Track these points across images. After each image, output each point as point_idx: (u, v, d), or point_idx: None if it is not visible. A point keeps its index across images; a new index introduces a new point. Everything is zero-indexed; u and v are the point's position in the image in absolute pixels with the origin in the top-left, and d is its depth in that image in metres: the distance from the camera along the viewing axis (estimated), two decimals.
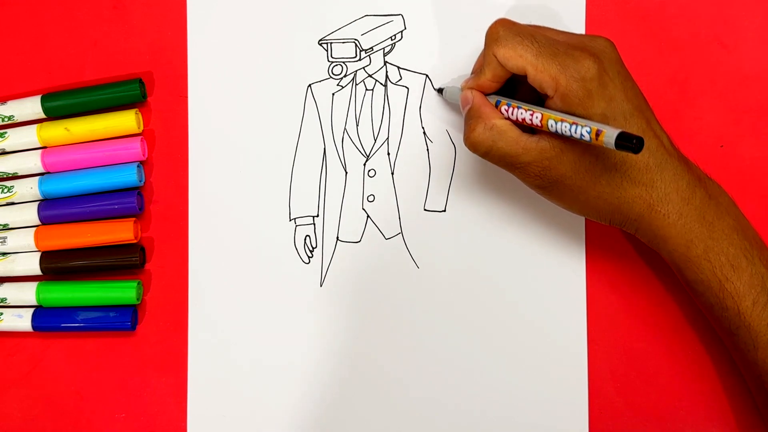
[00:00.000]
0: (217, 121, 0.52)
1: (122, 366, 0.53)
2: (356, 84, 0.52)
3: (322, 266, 0.52)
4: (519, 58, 0.43)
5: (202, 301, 0.52)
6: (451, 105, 0.51)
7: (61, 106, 0.52)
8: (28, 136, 0.52)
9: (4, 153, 0.52)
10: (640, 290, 0.51)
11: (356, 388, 0.52)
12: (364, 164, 0.52)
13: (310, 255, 0.52)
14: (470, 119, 0.45)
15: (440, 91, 0.51)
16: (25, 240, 0.52)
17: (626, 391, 0.51)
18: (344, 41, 0.52)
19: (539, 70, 0.42)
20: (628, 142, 0.38)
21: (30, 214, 0.52)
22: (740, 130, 0.51)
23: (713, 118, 0.51)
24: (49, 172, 0.52)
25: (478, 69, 0.47)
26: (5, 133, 0.52)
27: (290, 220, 0.52)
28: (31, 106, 0.52)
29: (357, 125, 0.52)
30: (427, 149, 0.51)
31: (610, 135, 0.38)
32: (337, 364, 0.52)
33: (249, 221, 0.52)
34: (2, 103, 0.52)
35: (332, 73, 0.52)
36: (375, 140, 0.52)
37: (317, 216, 0.52)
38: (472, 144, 0.44)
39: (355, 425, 0.52)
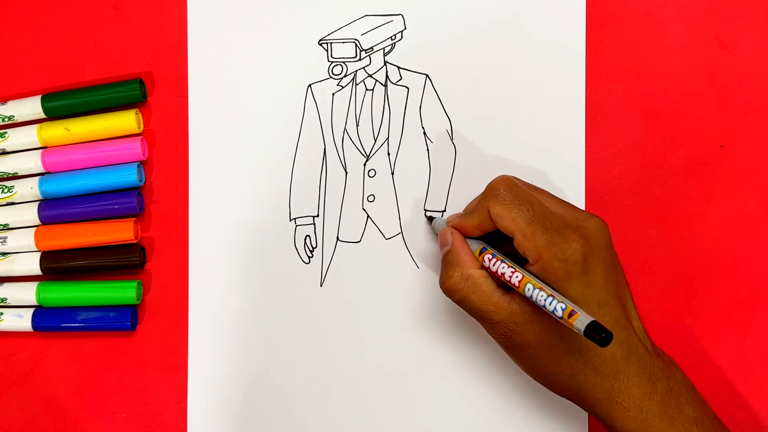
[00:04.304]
0: (217, 121, 0.52)
1: (122, 366, 0.53)
2: (356, 84, 0.52)
3: (322, 266, 0.52)
4: (511, 220, 0.43)
5: (202, 301, 0.52)
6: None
7: (61, 106, 0.52)
8: (29, 136, 0.52)
9: (5, 153, 0.52)
10: (639, 289, 0.51)
11: (356, 387, 0.52)
12: (364, 164, 0.52)
13: (310, 255, 0.52)
14: (447, 264, 0.45)
15: (429, 219, 0.51)
16: (26, 240, 0.52)
17: None
18: (344, 41, 0.52)
19: (527, 238, 0.42)
20: (597, 334, 0.37)
21: (30, 214, 0.52)
22: (740, 130, 0.51)
23: (713, 118, 0.51)
24: (49, 172, 0.52)
25: (469, 210, 0.47)
26: (5, 133, 0.52)
27: (290, 220, 0.52)
28: (31, 106, 0.52)
29: (357, 125, 0.52)
30: (427, 149, 0.51)
31: (581, 320, 0.38)
32: (337, 363, 0.52)
33: (249, 221, 0.52)
34: (2, 103, 0.52)
35: (332, 73, 0.52)
36: (375, 140, 0.52)
37: (317, 216, 0.52)
38: (447, 290, 0.45)
39: (354, 424, 0.52)
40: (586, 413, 0.50)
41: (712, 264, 0.51)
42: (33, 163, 0.52)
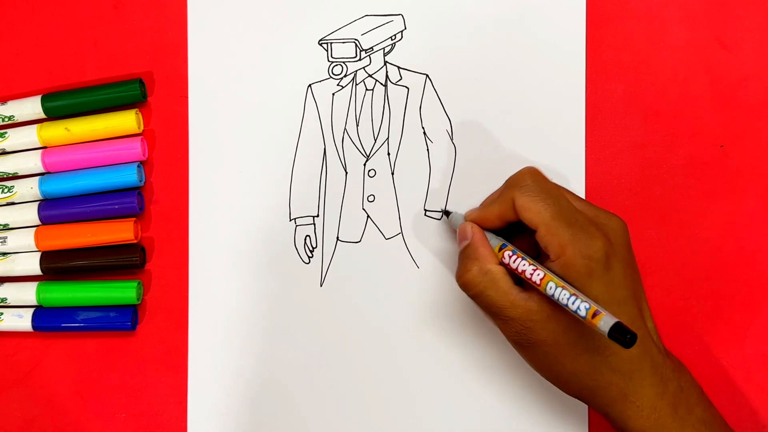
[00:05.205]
0: (217, 121, 0.52)
1: (122, 366, 0.53)
2: (356, 84, 0.52)
3: (322, 266, 0.52)
4: (536, 213, 0.42)
5: (202, 301, 0.52)
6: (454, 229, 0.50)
7: (61, 106, 0.52)
8: (29, 136, 0.52)
9: (5, 153, 0.52)
10: None
11: (356, 387, 0.52)
12: (364, 164, 0.52)
13: (310, 255, 0.52)
14: (466, 258, 0.44)
15: (446, 214, 0.50)
16: (26, 240, 0.52)
17: None
18: (344, 41, 0.52)
19: (551, 232, 0.41)
20: (621, 335, 0.37)
21: (30, 214, 0.52)
22: (740, 130, 0.51)
23: (713, 118, 0.51)
24: (49, 172, 0.52)
25: (490, 201, 0.46)
26: (5, 133, 0.52)
27: (290, 220, 0.52)
28: (31, 106, 0.52)
29: (357, 125, 0.52)
30: (427, 149, 0.51)
31: (606, 321, 0.38)
32: (337, 364, 0.52)
33: (249, 221, 0.52)
34: (2, 103, 0.52)
35: (332, 73, 0.52)
36: (375, 140, 0.52)
37: (317, 216, 0.52)
38: (464, 284, 0.44)
39: (354, 425, 0.52)
40: (586, 413, 0.50)
41: (712, 264, 0.51)
42: (33, 163, 0.52)
